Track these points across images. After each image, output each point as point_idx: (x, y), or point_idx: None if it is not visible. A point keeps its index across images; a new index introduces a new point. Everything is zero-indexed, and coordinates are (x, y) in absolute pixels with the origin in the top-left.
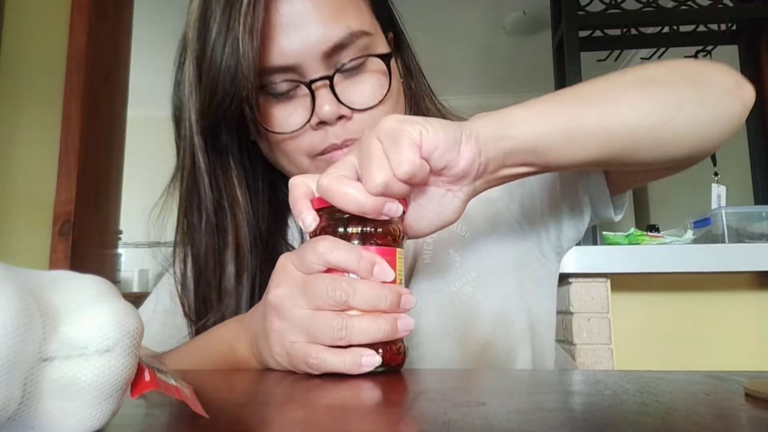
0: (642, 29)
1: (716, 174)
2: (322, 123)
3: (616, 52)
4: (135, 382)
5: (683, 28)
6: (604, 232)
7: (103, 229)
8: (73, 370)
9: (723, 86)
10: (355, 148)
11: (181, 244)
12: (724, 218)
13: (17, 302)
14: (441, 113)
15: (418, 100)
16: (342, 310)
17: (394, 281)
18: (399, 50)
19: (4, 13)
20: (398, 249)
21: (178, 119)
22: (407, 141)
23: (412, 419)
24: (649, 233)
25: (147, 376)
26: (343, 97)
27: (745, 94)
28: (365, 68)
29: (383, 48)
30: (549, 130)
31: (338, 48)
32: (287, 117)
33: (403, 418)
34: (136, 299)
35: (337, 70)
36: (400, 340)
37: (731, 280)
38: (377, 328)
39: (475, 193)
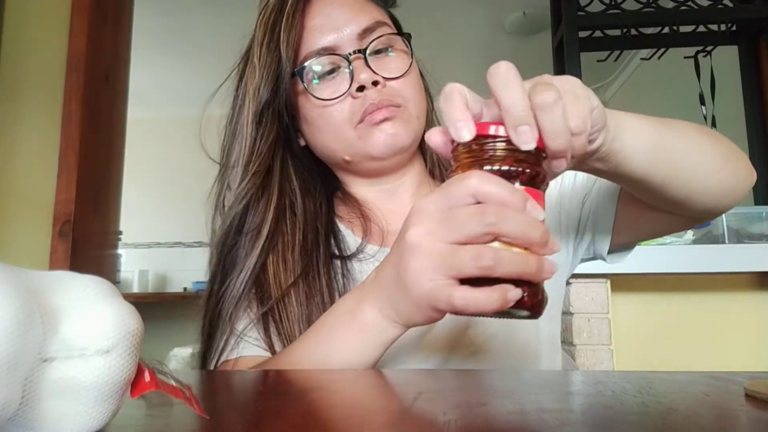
0: (642, 29)
1: None
2: (361, 89)
3: (616, 52)
4: (135, 383)
5: (683, 29)
6: None
7: (103, 230)
8: (73, 370)
9: (747, 164)
10: (544, 82)
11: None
12: (724, 218)
13: (17, 302)
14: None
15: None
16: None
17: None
18: None
19: (4, 14)
20: (544, 192)
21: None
22: (588, 105)
23: (412, 419)
24: None
25: (147, 377)
26: (376, 69)
27: (754, 177)
28: (390, 50)
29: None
30: (646, 148)
31: (367, 31)
32: (332, 90)
33: (403, 418)
34: (136, 300)
35: (369, 46)
36: (542, 287)
37: (731, 281)
38: (525, 260)
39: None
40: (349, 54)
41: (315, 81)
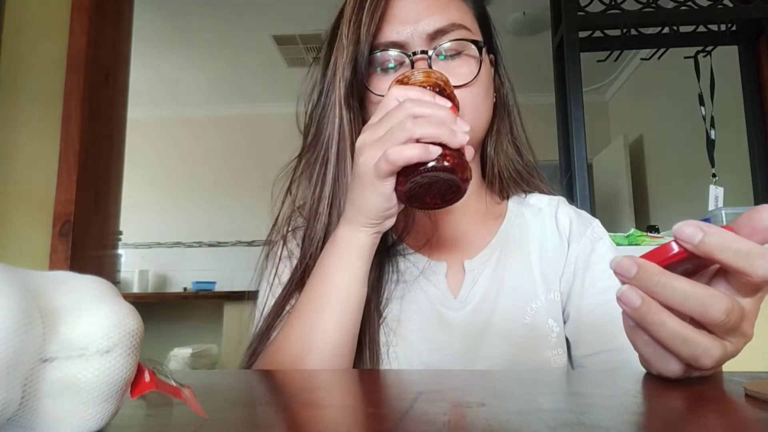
0: (642, 30)
1: (714, 176)
2: None
3: (616, 52)
4: (135, 383)
5: (683, 29)
6: None
7: (103, 230)
8: (73, 370)
9: None
10: None
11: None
12: (724, 219)
13: (17, 303)
14: (522, 149)
15: (509, 118)
16: None
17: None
18: (496, 71)
19: (4, 13)
20: (452, 99)
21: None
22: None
23: (412, 419)
24: (649, 234)
25: (147, 377)
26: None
27: None
28: (460, 54)
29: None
30: None
31: (439, 33)
32: (387, 85)
33: (403, 418)
34: (136, 300)
35: (437, 48)
36: (464, 159)
37: None
38: (439, 126)
39: None
40: (414, 53)
41: (379, 70)
